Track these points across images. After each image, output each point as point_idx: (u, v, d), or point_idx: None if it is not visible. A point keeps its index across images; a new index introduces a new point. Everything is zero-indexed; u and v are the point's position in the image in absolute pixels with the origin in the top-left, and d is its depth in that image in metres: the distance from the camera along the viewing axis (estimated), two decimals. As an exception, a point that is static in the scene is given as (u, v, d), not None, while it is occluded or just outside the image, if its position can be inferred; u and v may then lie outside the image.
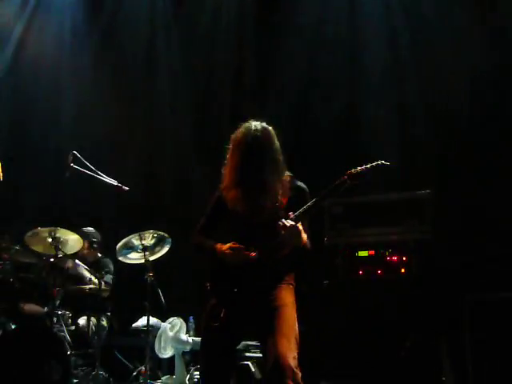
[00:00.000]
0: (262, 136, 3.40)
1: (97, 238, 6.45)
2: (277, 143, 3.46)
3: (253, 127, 3.43)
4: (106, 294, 5.85)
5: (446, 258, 5.53)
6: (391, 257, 5.21)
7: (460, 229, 5.84)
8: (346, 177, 3.34)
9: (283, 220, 3.26)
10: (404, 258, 5.16)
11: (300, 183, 3.54)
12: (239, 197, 3.39)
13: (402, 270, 5.15)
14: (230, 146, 3.48)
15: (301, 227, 3.31)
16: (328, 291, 5.30)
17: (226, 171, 3.48)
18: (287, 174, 3.50)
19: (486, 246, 5.59)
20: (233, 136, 3.48)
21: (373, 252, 5.27)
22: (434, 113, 6.41)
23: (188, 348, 6.05)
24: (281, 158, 3.46)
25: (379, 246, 5.26)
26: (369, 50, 6.84)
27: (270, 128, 3.49)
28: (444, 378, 4.81)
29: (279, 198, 3.40)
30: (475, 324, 5.21)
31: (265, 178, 3.35)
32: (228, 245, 3.42)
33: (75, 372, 5.38)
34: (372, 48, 6.82)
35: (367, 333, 5.03)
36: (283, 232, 3.26)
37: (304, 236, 3.34)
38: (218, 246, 3.46)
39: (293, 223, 3.25)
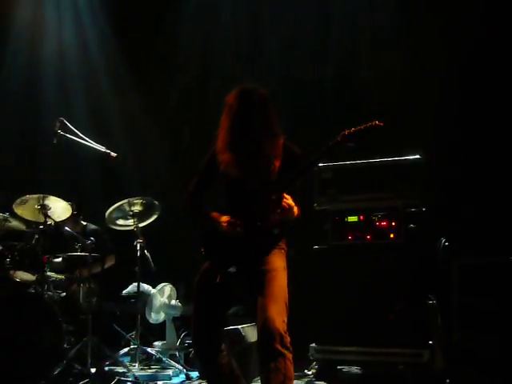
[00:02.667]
0: (254, 98, 3.35)
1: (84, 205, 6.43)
2: (271, 106, 3.40)
3: (245, 89, 3.38)
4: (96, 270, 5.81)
5: (434, 223, 5.56)
6: (380, 222, 5.23)
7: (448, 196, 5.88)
8: (339, 138, 3.27)
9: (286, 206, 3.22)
10: (393, 224, 5.17)
11: (293, 146, 3.48)
12: (231, 161, 3.35)
13: (391, 236, 5.17)
14: (224, 108, 3.42)
15: (291, 201, 3.27)
16: (317, 256, 5.32)
17: (220, 134, 3.42)
18: (281, 136, 3.44)
19: (473, 212, 5.61)
20: (226, 98, 3.42)
21: (362, 217, 5.28)
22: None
23: (178, 313, 6.10)
24: (275, 120, 3.40)
25: (368, 212, 5.27)
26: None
27: (264, 90, 3.43)
28: (431, 342, 4.87)
29: (272, 160, 3.36)
30: (463, 288, 5.28)
31: (257, 142, 3.31)
32: (225, 217, 3.38)
33: (67, 338, 5.41)
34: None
35: (356, 297, 5.07)
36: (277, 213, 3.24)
37: (295, 209, 3.31)
38: (215, 215, 3.43)
39: (287, 204, 3.22)
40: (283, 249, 3.50)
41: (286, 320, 3.23)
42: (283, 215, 3.28)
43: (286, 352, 3.17)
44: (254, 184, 3.35)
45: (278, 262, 3.41)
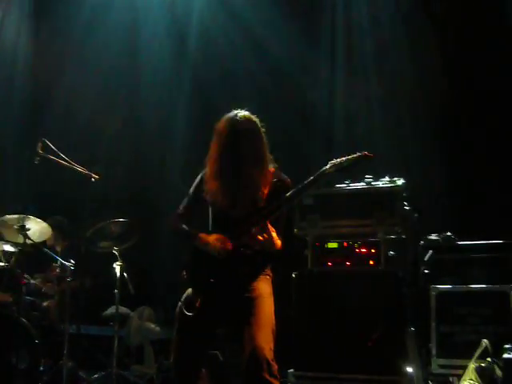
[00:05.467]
0: (244, 126, 3.31)
1: (66, 226, 6.40)
2: (262, 134, 3.37)
3: (236, 117, 3.33)
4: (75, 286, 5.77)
5: (414, 250, 5.61)
6: (360, 249, 5.25)
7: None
8: (327, 168, 3.26)
9: (255, 233, 3.19)
10: (373, 251, 5.20)
11: (283, 175, 3.46)
12: (218, 190, 3.33)
13: (371, 262, 5.20)
14: (214, 136, 3.39)
15: (274, 235, 3.24)
16: (297, 282, 5.32)
17: (208, 161, 3.40)
18: (272, 166, 3.42)
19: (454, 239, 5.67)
20: (216, 125, 3.39)
21: (342, 244, 5.31)
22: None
23: (156, 337, 6.06)
24: (266, 149, 3.37)
25: (348, 238, 5.30)
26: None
27: (255, 118, 3.39)
28: (410, 369, 4.88)
29: (261, 188, 3.33)
30: (441, 315, 5.32)
31: (244, 171, 3.27)
32: (214, 235, 3.34)
33: (43, 361, 5.35)
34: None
35: (335, 323, 5.07)
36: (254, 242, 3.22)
37: (277, 242, 3.28)
38: (202, 235, 3.39)
39: (263, 238, 3.19)
40: (268, 275, 3.48)
41: (272, 348, 3.21)
42: (262, 246, 3.26)
43: (273, 381, 3.15)
44: (239, 213, 3.32)
45: (264, 289, 3.39)
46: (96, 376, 5.64)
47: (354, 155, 3.26)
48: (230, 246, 3.29)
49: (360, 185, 5.36)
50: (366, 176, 5.38)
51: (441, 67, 6.53)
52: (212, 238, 3.35)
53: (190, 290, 3.42)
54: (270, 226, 3.22)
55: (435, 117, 6.59)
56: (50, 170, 5.79)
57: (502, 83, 6.20)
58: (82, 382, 5.44)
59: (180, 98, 7.72)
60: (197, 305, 3.33)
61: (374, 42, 6.93)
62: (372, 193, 5.31)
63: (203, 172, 3.47)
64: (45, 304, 5.92)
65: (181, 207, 3.55)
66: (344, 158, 3.27)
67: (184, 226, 3.49)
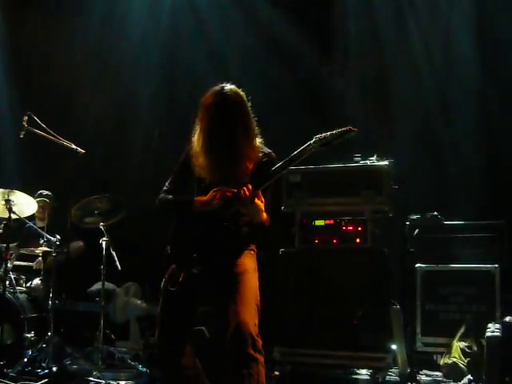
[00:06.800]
0: (232, 100, 3.25)
1: (52, 201, 6.38)
2: (248, 107, 3.31)
3: (222, 90, 3.27)
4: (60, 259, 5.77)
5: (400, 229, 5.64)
6: (347, 226, 5.26)
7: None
8: (312, 142, 3.21)
9: (243, 195, 3.16)
10: (359, 228, 5.22)
11: (267, 149, 3.42)
12: (208, 165, 3.26)
13: (357, 240, 5.21)
14: (200, 110, 3.32)
15: (261, 205, 3.23)
16: (283, 259, 5.34)
17: (195, 137, 3.33)
18: (258, 140, 3.38)
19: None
20: (202, 99, 3.32)
21: (329, 221, 5.32)
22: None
23: (143, 313, 6.06)
24: (253, 123, 3.33)
25: (335, 216, 5.30)
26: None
27: (241, 91, 3.33)
28: (394, 346, 4.93)
29: (247, 163, 3.29)
30: (426, 294, 5.37)
31: (236, 146, 3.22)
32: (210, 193, 3.26)
33: (28, 336, 5.34)
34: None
35: (321, 301, 5.10)
36: (241, 208, 3.20)
37: (263, 213, 3.27)
38: (197, 197, 3.32)
39: (251, 203, 3.17)
40: (253, 250, 3.46)
41: (257, 323, 3.20)
42: (249, 214, 3.25)
43: (258, 356, 3.14)
44: (229, 187, 3.25)
45: (249, 264, 3.37)
46: (82, 352, 5.64)
47: (338, 130, 3.22)
48: (229, 192, 3.22)
49: (348, 163, 5.36)
50: (355, 155, 5.38)
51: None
52: (208, 195, 3.27)
53: (174, 266, 3.41)
54: (259, 195, 3.21)
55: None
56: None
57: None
58: (69, 358, 5.43)
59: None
60: (180, 280, 3.32)
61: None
62: (360, 171, 5.32)
63: (188, 148, 3.41)
64: (31, 280, 5.90)
65: (167, 184, 3.50)
66: (328, 133, 3.23)
67: (174, 196, 3.44)
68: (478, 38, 6.33)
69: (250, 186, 3.18)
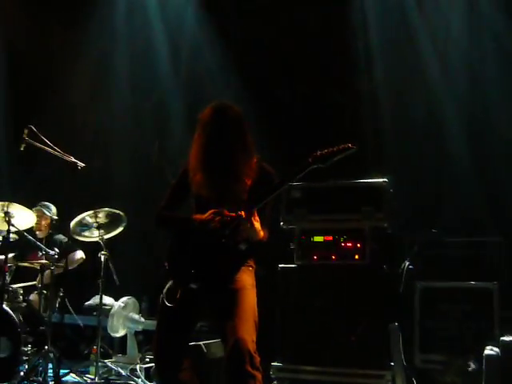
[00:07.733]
0: (229, 116, 3.27)
1: (51, 214, 6.37)
2: (245, 124, 3.34)
3: (220, 107, 3.30)
4: (59, 271, 5.76)
5: (399, 245, 5.63)
6: (346, 243, 5.26)
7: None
8: (310, 159, 3.22)
9: (239, 217, 3.16)
10: (358, 245, 5.21)
11: (266, 165, 3.43)
12: (205, 182, 3.27)
13: (356, 257, 5.20)
14: (197, 126, 3.34)
15: (257, 224, 3.22)
16: (282, 275, 5.33)
17: (192, 151, 3.35)
18: (255, 155, 3.38)
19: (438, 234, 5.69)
20: (199, 116, 3.34)
21: (328, 238, 5.32)
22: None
23: (140, 328, 6.04)
24: (250, 139, 3.34)
25: (334, 232, 5.30)
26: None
27: (238, 108, 3.35)
28: (392, 364, 4.90)
29: (245, 179, 3.29)
30: (425, 311, 5.35)
31: (231, 162, 3.23)
32: (209, 213, 3.26)
33: (25, 349, 5.31)
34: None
35: (319, 317, 5.09)
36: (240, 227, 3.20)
37: (260, 232, 3.26)
38: (196, 215, 3.32)
39: (247, 223, 3.16)
40: (251, 266, 3.46)
41: (255, 340, 3.19)
42: (246, 234, 3.24)
43: (256, 373, 3.12)
44: (224, 205, 3.27)
45: (247, 280, 3.36)
46: (79, 366, 5.61)
47: (338, 147, 3.22)
48: (228, 213, 3.22)
49: (347, 179, 5.36)
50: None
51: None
52: (207, 214, 3.26)
53: (171, 281, 3.40)
54: (254, 214, 3.20)
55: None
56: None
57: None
58: (65, 372, 5.41)
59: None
60: (178, 296, 3.31)
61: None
62: (359, 188, 5.32)
63: (186, 164, 3.41)
64: (29, 293, 5.88)
65: (163, 201, 3.50)
66: (326, 150, 3.24)
67: (172, 213, 3.46)
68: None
69: (248, 208, 3.18)
